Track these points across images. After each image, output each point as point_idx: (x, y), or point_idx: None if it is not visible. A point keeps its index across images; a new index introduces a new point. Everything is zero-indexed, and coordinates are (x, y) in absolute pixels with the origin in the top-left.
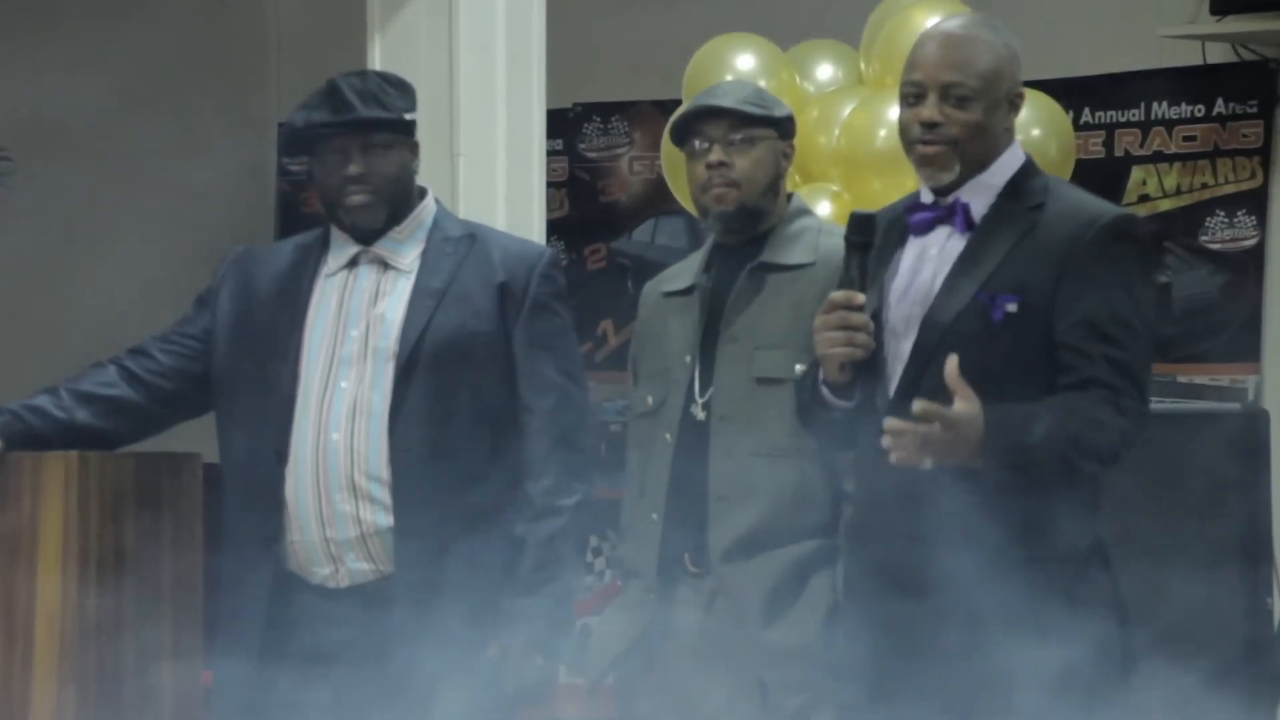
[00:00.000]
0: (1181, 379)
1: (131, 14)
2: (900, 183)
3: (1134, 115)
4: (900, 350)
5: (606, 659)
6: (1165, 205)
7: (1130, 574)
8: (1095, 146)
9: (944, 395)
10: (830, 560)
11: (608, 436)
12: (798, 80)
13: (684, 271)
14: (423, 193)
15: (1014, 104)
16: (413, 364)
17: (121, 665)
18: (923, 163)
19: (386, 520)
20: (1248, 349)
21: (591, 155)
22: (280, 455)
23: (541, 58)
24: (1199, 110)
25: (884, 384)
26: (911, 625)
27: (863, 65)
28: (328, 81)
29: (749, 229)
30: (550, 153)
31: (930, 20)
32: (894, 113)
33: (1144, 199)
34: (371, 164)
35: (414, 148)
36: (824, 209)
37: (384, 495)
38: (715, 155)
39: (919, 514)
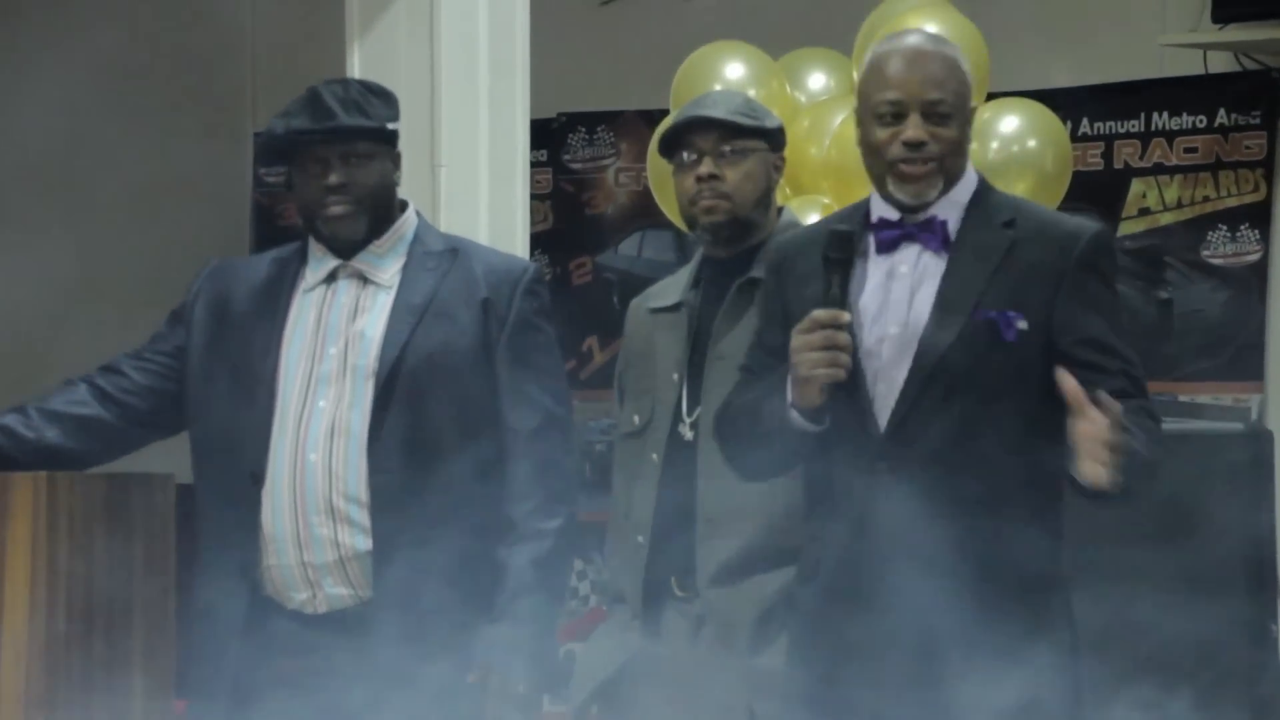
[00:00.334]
0: (1183, 398)
1: (103, 19)
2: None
3: (1134, 126)
4: (890, 374)
5: (591, 687)
6: (1166, 219)
7: (1130, 599)
8: (1094, 158)
9: (946, 418)
10: None
11: (592, 457)
12: (788, 90)
13: (671, 287)
14: (403, 205)
15: (972, 119)
16: (393, 382)
17: (91, 693)
18: (906, 181)
19: (365, 544)
20: (1251, 367)
21: (576, 166)
22: (256, 477)
23: (525, 66)
24: (1201, 121)
25: (864, 408)
26: (902, 660)
27: (855, 74)
28: (308, 89)
29: (739, 242)
30: (534, 164)
31: (924, 27)
32: None
33: (1144, 212)
34: (352, 174)
35: (396, 158)
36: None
37: (363, 518)
38: (705, 167)
39: (918, 541)
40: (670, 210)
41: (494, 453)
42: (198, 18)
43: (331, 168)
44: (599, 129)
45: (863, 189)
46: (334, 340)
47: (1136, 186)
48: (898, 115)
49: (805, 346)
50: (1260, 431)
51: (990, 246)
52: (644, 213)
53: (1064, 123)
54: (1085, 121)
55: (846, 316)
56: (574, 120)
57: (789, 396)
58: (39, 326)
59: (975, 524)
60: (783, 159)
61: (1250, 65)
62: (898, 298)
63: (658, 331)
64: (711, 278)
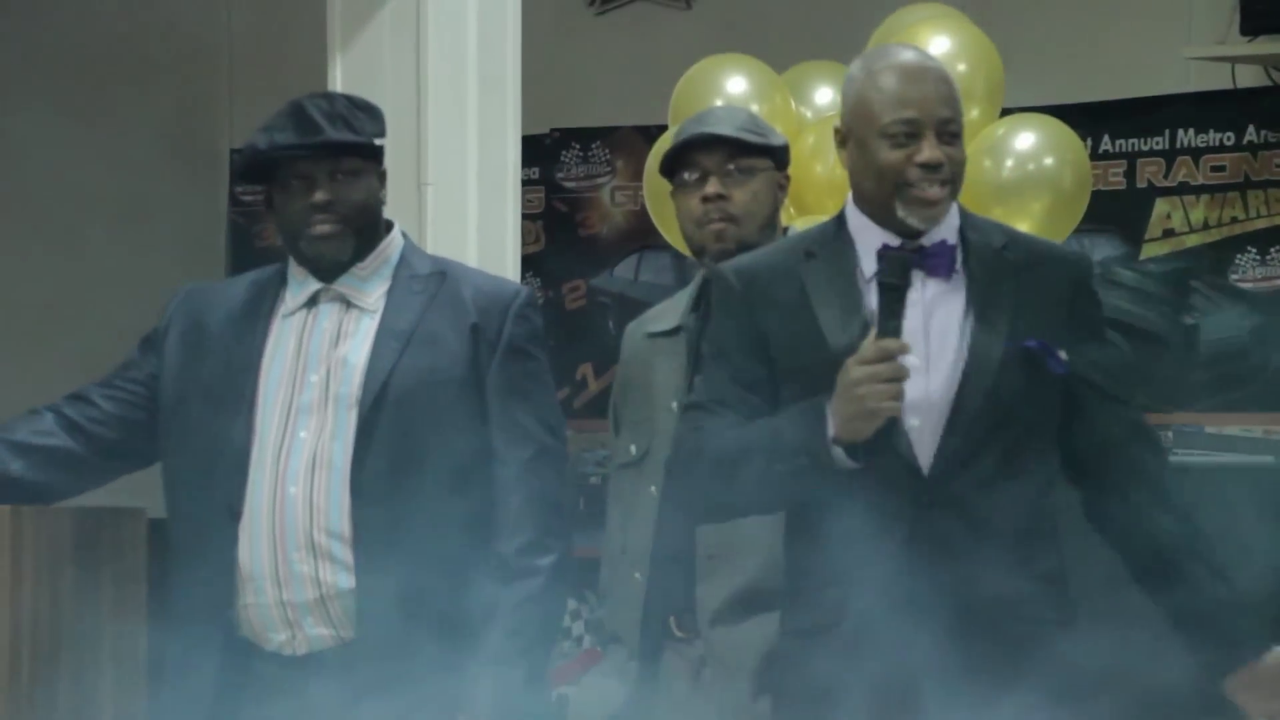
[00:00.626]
0: (1210, 430)
1: (73, 31)
2: None
3: (1158, 143)
4: (921, 407)
5: None
6: (1192, 241)
7: (1154, 638)
8: (1115, 177)
9: (990, 452)
10: None
11: (587, 490)
12: (793, 104)
13: (669, 311)
14: (389, 226)
15: None
16: (377, 412)
17: None
18: (923, 205)
19: (348, 581)
20: None
21: (570, 185)
22: (233, 511)
23: (516, 78)
24: (1228, 138)
25: (899, 443)
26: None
27: None
28: (290, 102)
29: None
30: (525, 182)
31: (936, 39)
32: None
33: (1168, 234)
34: (339, 191)
35: (382, 176)
36: None
37: (345, 554)
38: (712, 187)
39: (973, 579)
40: (669, 231)
41: (484, 486)
42: (171, 28)
43: (317, 184)
44: (594, 145)
45: None
46: (315, 367)
47: (1160, 207)
48: (911, 135)
49: (872, 378)
50: None
51: (997, 272)
52: (641, 233)
53: (1083, 140)
54: (1106, 138)
55: (909, 346)
56: (567, 136)
57: (830, 430)
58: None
59: (1022, 561)
60: (787, 177)
61: None
62: (913, 326)
63: (656, 357)
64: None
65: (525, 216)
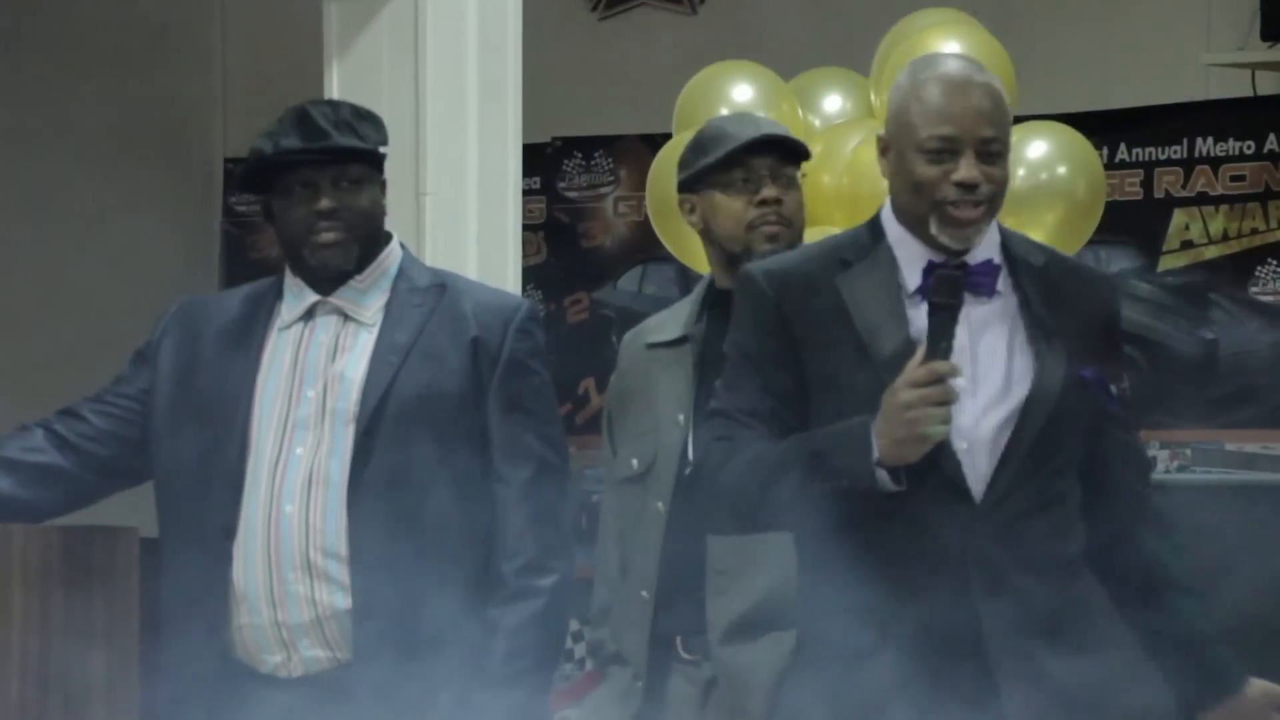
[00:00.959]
0: (1229, 447)
1: (66, 40)
2: None
3: (1176, 152)
4: (970, 431)
5: None
6: (1211, 253)
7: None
8: (1132, 187)
9: (1040, 479)
10: None
11: (589, 508)
12: (801, 112)
13: (671, 320)
14: (387, 237)
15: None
16: (375, 427)
17: None
18: (957, 226)
19: (344, 602)
20: None
21: (572, 195)
22: (227, 530)
23: (517, 86)
24: (1248, 147)
25: (948, 468)
26: None
27: (873, 96)
28: (294, 108)
29: None
30: (526, 192)
31: (944, 45)
32: None
33: (1187, 245)
34: (344, 199)
35: (383, 186)
36: None
37: (342, 574)
38: (770, 190)
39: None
40: (671, 242)
41: (484, 504)
42: (164, 38)
43: (322, 192)
44: (596, 155)
45: None
46: (312, 382)
47: (1179, 218)
48: (949, 152)
49: (923, 401)
50: None
51: (1046, 294)
52: (645, 245)
53: (1099, 148)
54: (1123, 147)
55: (960, 369)
56: (570, 145)
57: (875, 452)
58: None
59: (1064, 587)
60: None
61: None
62: (959, 346)
63: (658, 369)
64: (719, 310)
65: (526, 227)
